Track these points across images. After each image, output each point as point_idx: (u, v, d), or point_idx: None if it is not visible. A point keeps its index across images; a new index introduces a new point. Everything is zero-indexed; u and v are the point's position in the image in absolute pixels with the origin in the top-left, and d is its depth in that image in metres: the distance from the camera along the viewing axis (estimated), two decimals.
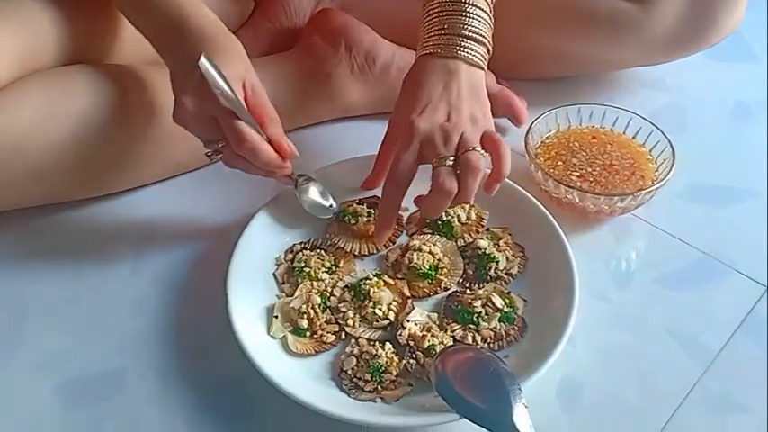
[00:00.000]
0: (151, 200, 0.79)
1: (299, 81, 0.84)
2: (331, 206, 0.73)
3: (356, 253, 0.72)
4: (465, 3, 0.68)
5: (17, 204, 0.75)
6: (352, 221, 0.73)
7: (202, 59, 0.61)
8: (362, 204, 0.75)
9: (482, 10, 0.69)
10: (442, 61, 0.68)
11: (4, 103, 0.68)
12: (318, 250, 0.72)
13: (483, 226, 0.74)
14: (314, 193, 0.73)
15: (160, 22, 0.67)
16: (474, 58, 0.68)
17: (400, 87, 0.72)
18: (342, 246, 0.73)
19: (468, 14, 0.68)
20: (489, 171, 0.66)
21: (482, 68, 0.69)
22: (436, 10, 0.69)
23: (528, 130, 0.79)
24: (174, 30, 0.66)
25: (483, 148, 0.65)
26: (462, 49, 0.68)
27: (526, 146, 0.77)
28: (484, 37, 0.69)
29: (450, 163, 0.64)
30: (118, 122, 0.72)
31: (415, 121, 0.65)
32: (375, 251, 0.73)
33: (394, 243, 0.73)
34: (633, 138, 0.80)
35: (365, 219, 0.73)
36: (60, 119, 0.70)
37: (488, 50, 0.70)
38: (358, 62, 0.85)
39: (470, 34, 0.68)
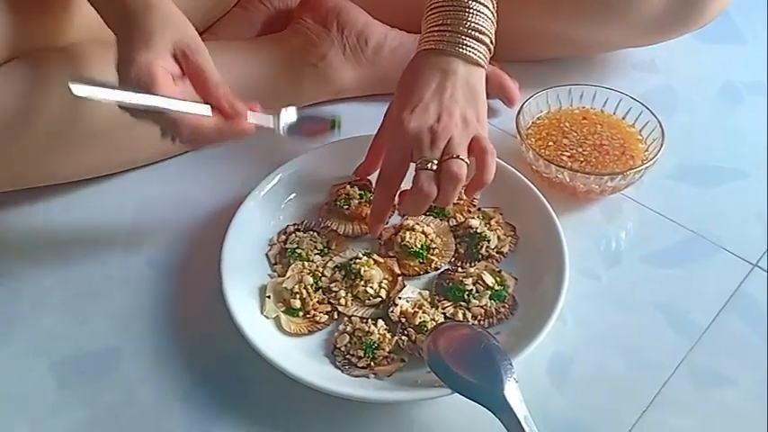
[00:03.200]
0: (145, 182, 0.79)
1: (292, 63, 0.84)
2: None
3: (349, 234, 0.73)
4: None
5: (9, 186, 0.74)
6: (345, 206, 0.73)
7: (71, 88, 0.54)
8: (354, 187, 0.75)
9: (486, 7, 0.68)
10: (440, 58, 0.67)
11: None
12: (311, 232, 0.73)
13: (474, 206, 0.75)
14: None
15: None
16: (474, 55, 0.67)
17: (392, 69, 0.72)
18: (335, 228, 0.73)
19: (471, 11, 0.67)
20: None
21: (482, 67, 0.68)
22: (439, 5, 0.68)
23: (519, 111, 0.79)
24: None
25: (470, 154, 0.64)
26: (463, 46, 0.66)
27: (517, 126, 0.78)
28: (486, 35, 0.68)
29: (434, 168, 0.63)
30: (109, 104, 0.72)
31: (406, 119, 0.65)
32: (368, 232, 0.73)
33: (386, 223, 0.74)
34: (623, 118, 0.81)
35: (357, 201, 0.73)
36: (52, 100, 0.70)
37: (490, 50, 0.69)
38: (350, 43, 0.85)
39: (472, 32, 0.67)
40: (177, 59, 0.61)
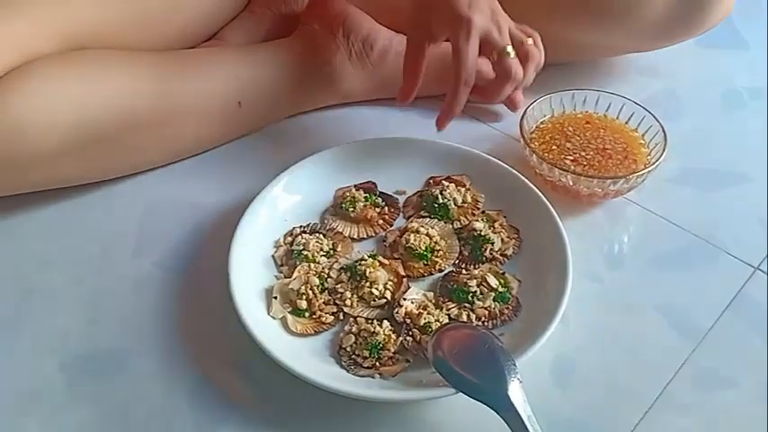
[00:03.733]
0: (153, 184, 0.80)
1: (298, 67, 0.85)
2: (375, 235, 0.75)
3: (354, 237, 0.74)
4: None
5: (20, 189, 0.75)
6: (350, 209, 0.74)
7: None
8: (359, 190, 0.76)
9: None
10: None
11: (6, 88, 0.69)
12: (317, 234, 0.74)
13: (479, 209, 0.76)
14: None
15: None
16: None
17: (398, 74, 0.74)
18: (340, 231, 0.74)
19: None
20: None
21: None
22: None
23: (523, 115, 0.80)
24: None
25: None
26: None
27: (521, 130, 0.79)
28: None
29: (513, 54, 0.71)
30: (120, 109, 0.73)
31: (471, 15, 0.69)
32: (373, 234, 0.74)
33: (391, 225, 0.75)
34: (626, 123, 0.81)
35: (362, 204, 0.74)
36: (64, 104, 0.71)
37: None
38: (356, 48, 0.86)
39: None
40: None
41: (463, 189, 0.76)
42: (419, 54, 0.74)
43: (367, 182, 0.77)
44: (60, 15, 0.74)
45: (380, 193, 0.77)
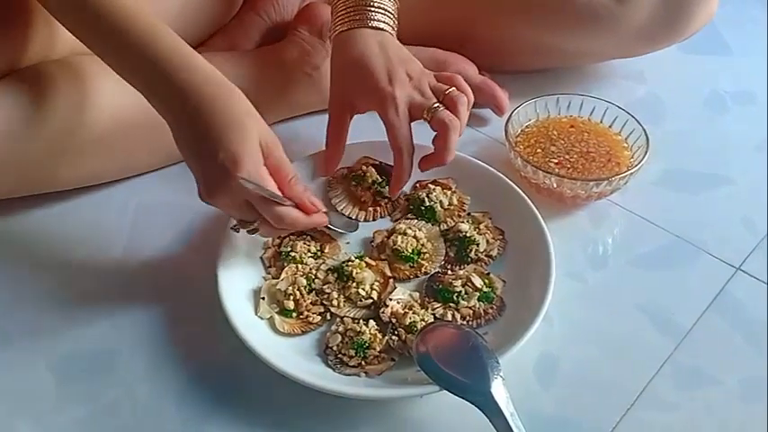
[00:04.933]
0: (143, 187, 0.81)
1: (288, 73, 0.86)
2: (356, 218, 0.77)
3: (344, 214, 0.76)
4: None
5: (14, 193, 0.76)
6: (355, 182, 0.77)
7: (242, 182, 0.60)
8: (380, 166, 0.78)
9: None
10: (364, 32, 0.73)
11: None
12: (305, 236, 0.75)
13: (465, 210, 0.77)
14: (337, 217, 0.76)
15: (149, 81, 0.64)
16: (387, 28, 0.74)
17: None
18: (332, 199, 0.76)
19: None
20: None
21: (392, 35, 0.75)
22: None
23: (508, 119, 0.81)
24: (171, 96, 0.63)
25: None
26: (374, 21, 0.73)
27: (506, 134, 0.80)
28: (388, 10, 0.74)
29: (441, 108, 0.72)
30: (112, 112, 0.74)
31: (394, 90, 0.71)
32: (355, 217, 0.76)
33: (374, 219, 0.77)
34: (610, 126, 0.83)
35: (367, 184, 0.77)
36: (60, 107, 0.71)
37: (395, 21, 0.75)
38: None
39: (377, 8, 0.73)
40: (264, 155, 0.63)
41: (449, 192, 0.77)
42: (342, 126, 0.75)
43: (390, 165, 0.77)
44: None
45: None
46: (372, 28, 0.73)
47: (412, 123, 0.73)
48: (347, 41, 0.73)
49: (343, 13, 0.74)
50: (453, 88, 0.73)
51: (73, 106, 0.72)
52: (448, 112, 0.72)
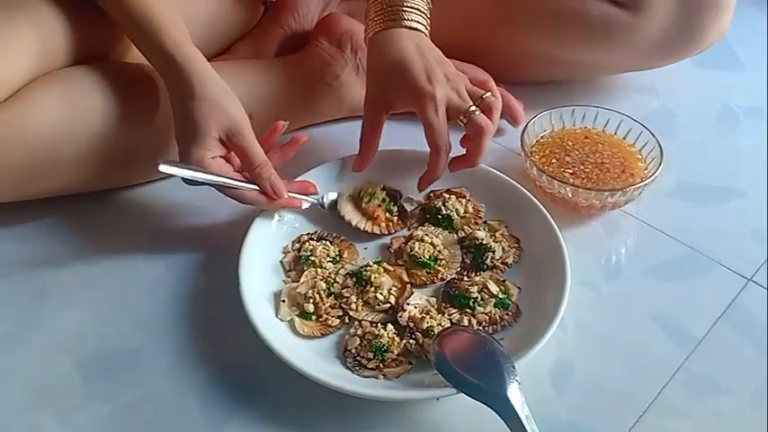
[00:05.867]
0: (166, 191, 0.83)
1: (308, 82, 0.88)
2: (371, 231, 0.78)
3: (352, 224, 0.77)
4: None
5: (43, 195, 0.78)
6: (365, 199, 0.78)
7: (162, 167, 0.68)
8: (384, 190, 0.80)
9: None
10: (402, 31, 0.74)
11: (25, 100, 0.72)
12: (324, 241, 0.76)
13: (480, 218, 0.78)
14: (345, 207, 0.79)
15: (158, 67, 0.74)
16: (421, 27, 0.75)
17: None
18: (343, 214, 0.77)
19: None
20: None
21: (425, 33, 0.76)
22: None
23: (524, 130, 0.83)
24: (168, 77, 0.72)
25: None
26: (410, 21, 0.75)
27: (522, 144, 0.82)
28: (422, 10, 0.76)
29: (478, 111, 0.73)
30: (131, 118, 0.76)
31: (433, 90, 0.72)
32: (370, 231, 0.77)
33: (389, 233, 0.78)
34: (624, 138, 0.84)
35: (376, 202, 0.78)
36: (77, 114, 0.74)
37: (428, 21, 0.77)
38: (363, 64, 0.89)
39: (411, 8, 0.75)
40: (223, 143, 0.71)
41: (464, 200, 0.79)
42: (377, 126, 0.77)
43: (396, 189, 0.80)
44: (77, 32, 0.77)
45: (400, 204, 0.80)
46: (407, 27, 0.74)
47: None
48: (384, 41, 0.74)
49: (377, 13, 0.75)
50: (489, 93, 0.75)
51: (94, 114, 0.75)
52: (484, 116, 0.73)
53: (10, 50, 0.71)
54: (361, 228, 0.77)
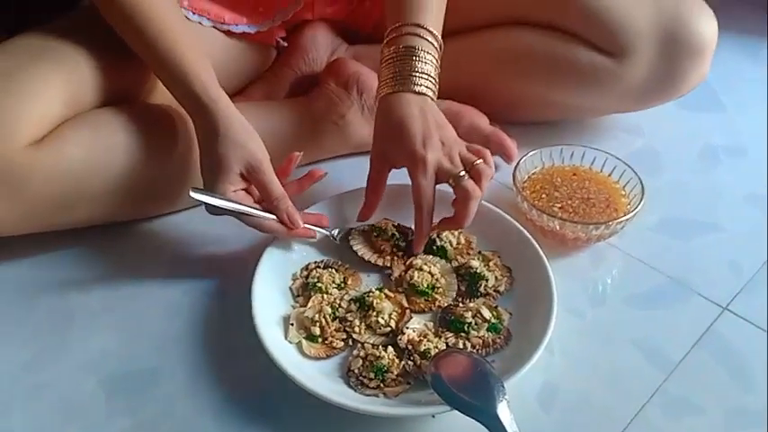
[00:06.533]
0: (184, 222, 0.89)
1: (317, 121, 0.95)
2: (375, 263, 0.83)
3: (360, 255, 0.82)
4: (416, 49, 0.79)
5: (72, 225, 0.84)
6: (375, 233, 0.83)
7: (192, 194, 0.75)
8: (396, 227, 0.85)
9: (430, 54, 0.80)
10: (408, 96, 0.79)
11: (58, 139, 0.78)
12: (330, 269, 0.82)
13: (472, 248, 0.84)
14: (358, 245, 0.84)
15: (186, 106, 0.79)
16: (428, 92, 0.80)
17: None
18: (353, 245, 0.83)
19: (418, 58, 0.79)
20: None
21: (433, 99, 0.81)
22: (393, 55, 0.80)
23: (516, 167, 0.89)
24: (195, 116, 0.79)
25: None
26: (417, 85, 0.79)
27: (514, 180, 0.88)
28: (432, 76, 0.80)
29: (467, 176, 0.77)
30: (153, 155, 0.82)
31: (425, 154, 0.77)
32: (375, 262, 0.82)
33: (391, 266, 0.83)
34: (609, 175, 0.91)
35: (386, 237, 0.83)
36: (104, 151, 0.80)
37: (437, 87, 0.81)
38: (368, 105, 0.96)
39: (421, 74, 0.79)
40: (244, 177, 0.77)
41: (456, 232, 0.85)
42: (380, 179, 0.83)
43: (408, 227, 0.85)
44: (106, 76, 0.83)
45: (407, 240, 0.84)
46: (415, 93, 0.79)
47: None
48: (391, 104, 0.79)
49: (389, 77, 0.80)
50: (481, 161, 0.78)
51: (121, 149, 0.81)
52: (472, 182, 0.77)
53: (44, 95, 0.77)
54: (366, 259, 0.83)
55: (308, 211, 0.85)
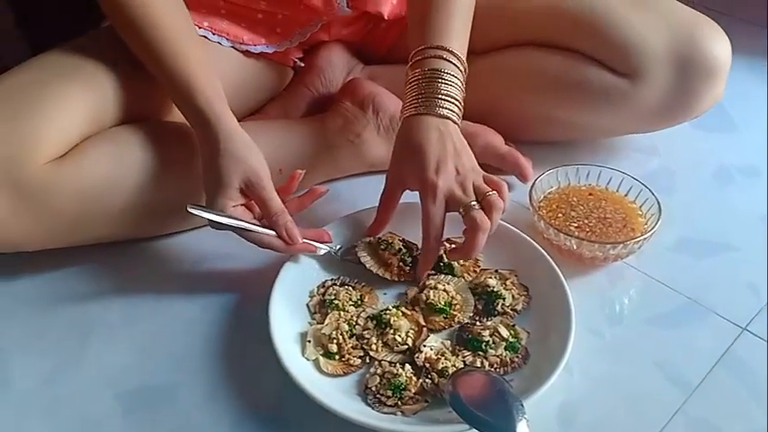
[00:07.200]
0: (203, 238, 0.90)
1: (332, 139, 0.96)
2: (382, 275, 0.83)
3: (366, 266, 0.82)
4: (441, 71, 0.79)
5: (92, 241, 0.85)
6: (382, 246, 0.83)
7: (189, 209, 0.76)
8: (402, 241, 0.85)
9: (455, 76, 0.80)
10: (429, 119, 0.79)
11: (80, 156, 0.79)
12: (347, 286, 0.82)
13: (479, 267, 0.84)
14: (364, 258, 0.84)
15: (191, 122, 0.80)
16: (452, 115, 0.79)
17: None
18: (359, 255, 0.83)
19: (444, 80, 0.79)
20: None
21: (458, 124, 0.81)
22: (418, 77, 0.80)
23: (532, 186, 0.89)
24: (198, 131, 0.79)
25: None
26: (441, 108, 0.79)
27: (530, 199, 0.88)
28: (457, 99, 0.80)
29: (478, 207, 0.76)
30: (170, 172, 0.83)
31: (437, 180, 0.77)
32: (382, 275, 0.82)
33: (398, 280, 0.83)
34: (625, 195, 0.91)
35: (393, 251, 0.83)
36: (124, 168, 0.81)
37: (461, 110, 0.81)
38: (383, 124, 0.97)
39: (446, 97, 0.79)
40: (244, 192, 0.78)
41: None
42: (393, 199, 0.83)
43: (414, 243, 0.85)
44: (127, 95, 0.84)
45: (413, 256, 0.85)
46: (438, 116, 0.79)
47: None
48: (412, 126, 0.79)
49: (414, 98, 0.80)
50: (494, 192, 0.77)
51: (142, 167, 0.82)
52: (482, 213, 0.76)
53: (67, 112, 0.78)
54: (374, 271, 0.82)
55: (330, 226, 0.85)
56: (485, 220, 0.76)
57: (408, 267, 0.84)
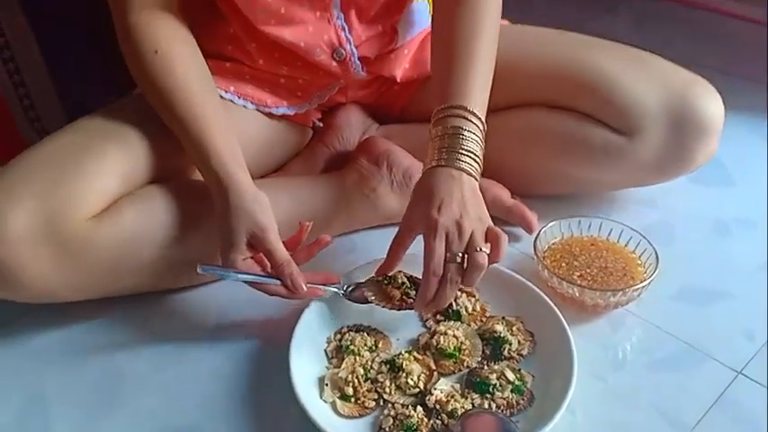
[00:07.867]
0: (226, 289, 0.94)
1: (349, 194, 1.02)
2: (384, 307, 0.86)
3: (370, 299, 0.86)
4: (462, 129, 0.84)
5: (121, 293, 0.90)
6: (386, 281, 0.86)
7: (199, 270, 0.81)
8: (407, 277, 0.87)
9: (475, 134, 0.84)
10: (446, 169, 0.82)
11: (115, 213, 0.85)
12: (362, 333, 0.87)
13: (486, 315, 0.89)
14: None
15: (206, 181, 0.85)
16: (470, 169, 0.82)
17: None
18: (366, 294, 0.86)
19: (464, 137, 0.84)
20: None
21: (476, 178, 0.83)
22: (440, 134, 0.85)
23: (537, 237, 0.95)
24: (212, 190, 0.84)
25: (487, 240, 0.80)
26: (461, 162, 0.82)
27: (535, 250, 0.93)
28: (476, 155, 0.83)
29: (460, 260, 0.79)
30: (195, 227, 0.89)
31: (437, 217, 0.79)
32: (383, 306, 0.85)
33: (399, 310, 0.86)
34: (625, 245, 0.96)
35: (396, 284, 0.86)
36: (154, 225, 0.86)
37: (480, 165, 0.84)
38: (397, 179, 1.03)
39: (466, 152, 0.82)
40: (251, 245, 0.82)
41: (473, 299, 0.90)
42: (403, 244, 0.85)
43: (418, 278, 0.87)
44: (157, 156, 0.90)
45: (417, 290, 0.87)
46: (456, 168, 0.82)
47: None
48: (431, 176, 0.82)
49: (437, 150, 0.83)
50: (482, 253, 0.78)
51: (169, 222, 0.88)
52: (459, 271, 0.79)
53: (105, 172, 0.85)
54: (375, 303, 0.86)
55: (346, 275, 0.90)
56: (455, 280, 0.79)
57: (411, 300, 0.86)
